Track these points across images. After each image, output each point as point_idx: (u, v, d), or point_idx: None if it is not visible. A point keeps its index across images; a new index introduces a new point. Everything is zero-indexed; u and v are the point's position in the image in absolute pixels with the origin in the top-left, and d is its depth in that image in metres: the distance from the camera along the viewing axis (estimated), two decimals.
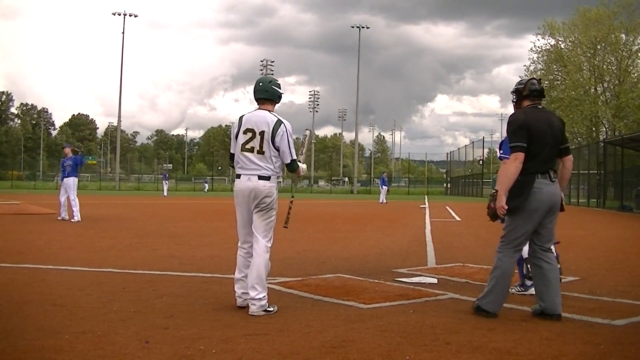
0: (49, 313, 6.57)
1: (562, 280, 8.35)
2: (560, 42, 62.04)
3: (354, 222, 23.05)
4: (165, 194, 55.49)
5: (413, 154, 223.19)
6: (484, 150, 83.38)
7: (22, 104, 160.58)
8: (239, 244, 7.12)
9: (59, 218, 20.14)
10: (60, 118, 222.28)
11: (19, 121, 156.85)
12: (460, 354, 5.26)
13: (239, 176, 6.97)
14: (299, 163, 7.16)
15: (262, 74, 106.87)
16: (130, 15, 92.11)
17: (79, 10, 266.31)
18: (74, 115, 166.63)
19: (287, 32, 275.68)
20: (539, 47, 62.46)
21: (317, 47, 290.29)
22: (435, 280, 9.04)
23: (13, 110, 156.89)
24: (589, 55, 59.96)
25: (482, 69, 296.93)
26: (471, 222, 24.40)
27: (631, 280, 9.53)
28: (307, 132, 8.03)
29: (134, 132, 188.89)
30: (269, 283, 8.35)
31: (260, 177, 6.86)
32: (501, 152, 8.21)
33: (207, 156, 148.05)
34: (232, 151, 7.11)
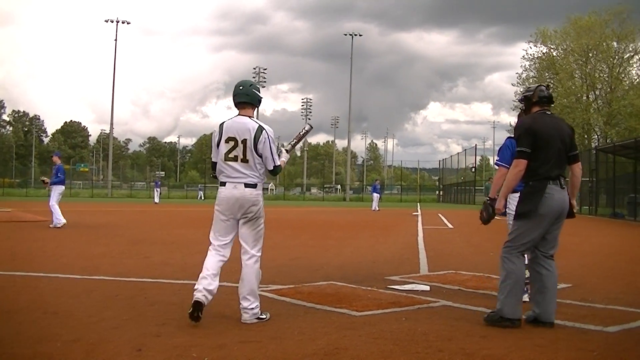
0: (41, 321, 6.56)
1: None
2: (552, 50, 62.28)
3: (346, 230, 23.06)
4: (157, 200, 55.43)
5: (405, 162, 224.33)
6: (477, 157, 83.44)
7: (14, 111, 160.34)
8: (212, 247, 6.80)
9: (50, 226, 20.09)
10: (52, 125, 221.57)
11: (11, 128, 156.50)
12: None
13: (223, 184, 6.79)
14: (283, 151, 7.18)
15: (255, 81, 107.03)
16: (122, 23, 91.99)
17: (71, 17, 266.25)
18: (66, 122, 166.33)
19: (280, 40, 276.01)
20: (531, 54, 62.74)
21: (310, 54, 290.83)
22: (427, 288, 9.05)
23: (5, 117, 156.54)
24: (580, 62, 60.16)
25: (474, 77, 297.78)
26: (464, 229, 24.42)
27: (623, 287, 9.56)
28: (307, 127, 7.96)
29: (126, 139, 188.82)
30: (261, 291, 8.35)
31: (247, 185, 6.70)
32: (497, 158, 8.24)
33: (200, 163, 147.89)
34: (213, 160, 6.93)
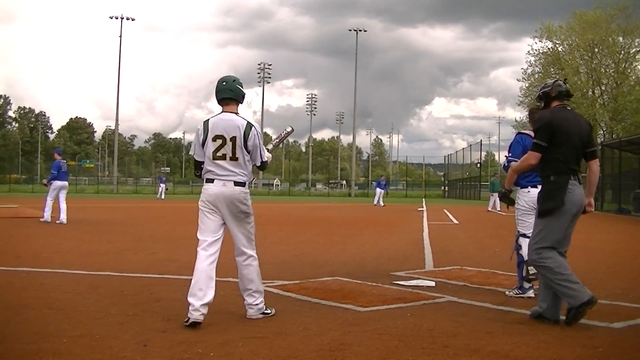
0: (47, 317, 6.57)
1: None
2: (557, 45, 62.10)
3: (351, 225, 23.06)
4: (163, 196, 55.47)
5: (411, 157, 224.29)
6: (482, 153, 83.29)
7: (19, 107, 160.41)
8: (202, 247, 6.52)
9: (57, 221, 20.13)
10: (57, 121, 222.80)
11: (17, 125, 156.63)
12: (457, 357, 5.26)
13: (211, 180, 6.57)
14: (266, 150, 6.96)
15: (259, 77, 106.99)
16: (127, 19, 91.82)
17: (76, 14, 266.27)
18: (71, 118, 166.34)
19: (284, 36, 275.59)
20: (536, 50, 62.51)
21: (314, 50, 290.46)
22: (433, 283, 9.04)
23: (11, 113, 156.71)
24: (586, 58, 59.98)
25: (479, 72, 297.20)
26: (469, 225, 24.41)
27: (629, 283, 9.54)
28: (289, 129, 7.90)
29: (131, 135, 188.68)
30: (266, 286, 8.36)
31: (237, 183, 6.56)
32: (509, 155, 8.24)
33: None
34: (197, 159, 6.72)
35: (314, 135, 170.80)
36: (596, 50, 59.24)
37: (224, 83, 6.72)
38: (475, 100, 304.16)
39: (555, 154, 6.58)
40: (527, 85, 62.31)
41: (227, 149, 6.53)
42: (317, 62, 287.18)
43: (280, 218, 27.16)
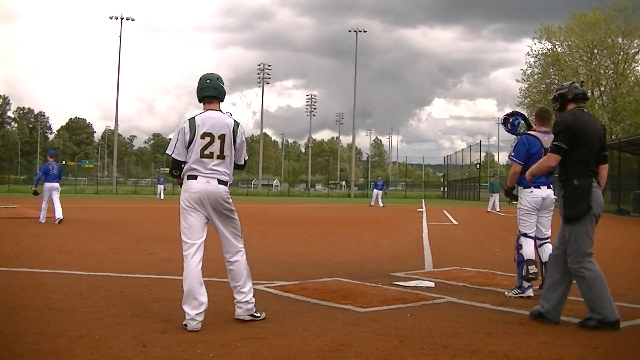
0: (46, 317, 6.57)
1: None
2: (557, 46, 62.09)
3: (351, 226, 23.06)
4: (162, 197, 55.48)
5: (410, 158, 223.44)
6: (481, 154, 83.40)
7: (19, 107, 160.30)
8: (189, 250, 6.39)
9: (55, 222, 20.15)
10: (57, 122, 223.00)
11: (16, 125, 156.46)
12: (457, 357, 5.26)
13: (194, 177, 6.41)
14: None
15: (259, 77, 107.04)
16: (127, 19, 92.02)
17: (76, 14, 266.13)
18: (71, 119, 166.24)
19: (284, 36, 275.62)
20: (535, 51, 62.49)
21: (314, 51, 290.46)
22: (432, 284, 9.05)
23: (10, 114, 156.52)
24: (585, 59, 59.98)
25: (479, 73, 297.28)
26: (468, 225, 24.42)
27: (628, 283, 9.54)
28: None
29: (131, 135, 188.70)
30: (266, 287, 8.38)
31: (220, 182, 6.45)
32: (513, 154, 8.25)
33: None
34: (178, 158, 6.50)
35: (314, 136, 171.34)
36: (595, 51, 59.23)
37: (208, 81, 6.63)
38: (474, 101, 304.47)
39: (577, 157, 6.52)
40: (526, 86, 62.37)
41: (215, 147, 6.44)
42: (317, 63, 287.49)
43: (280, 219, 27.16)
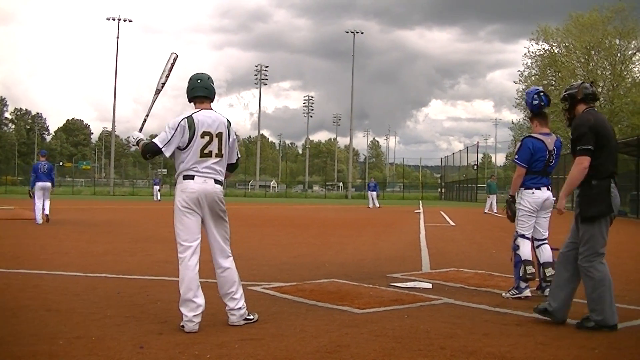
0: (44, 318, 6.57)
1: None
2: (554, 48, 62.10)
3: (348, 227, 23.06)
4: (159, 198, 55.47)
5: (407, 159, 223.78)
6: (479, 155, 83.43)
7: (16, 109, 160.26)
8: (186, 254, 6.36)
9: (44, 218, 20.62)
10: (54, 123, 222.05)
11: (13, 126, 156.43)
12: (454, 358, 5.27)
13: (191, 177, 6.36)
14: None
15: (256, 79, 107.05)
16: (124, 20, 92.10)
17: (73, 15, 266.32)
18: (68, 120, 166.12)
19: (281, 38, 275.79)
20: (533, 52, 62.47)
21: (311, 52, 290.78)
22: (429, 285, 9.05)
23: (7, 115, 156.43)
24: (582, 60, 59.99)
25: (476, 74, 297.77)
26: (466, 227, 24.44)
27: (626, 284, 9.54)
28: (174, 56, 7.20)
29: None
30: (263, 288, 8.38)
31: (216, 181, 6.45)
32: (516, 157, 8.23)
33: None
34: (166, 152, 6.34)
35: (311, 137, 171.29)
36: (593, 52, 59.22)
37: (199, 81, 6.60)
38: (471, 102, 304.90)
39: (597, 158, 6.49)
40: (523, 87, 62.22)
41: (214, 146, 6.42)
42: (314, 64, 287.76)
43: (277, 220, 27.15)
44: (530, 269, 8.03)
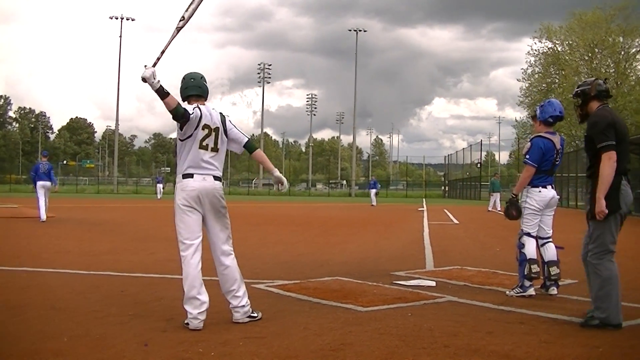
0: (47, 316, 6.58)
1: (561, 283, 8.38)
2: (557, 46, 62.02)
3: (352, 225, 23.07)
4: (160, 196, 55.55)
5: (411, 157, 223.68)
6: (482, 153, 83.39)
7: (20, 107, 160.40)
8: (188, 251, 6.37)
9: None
10: (58, 122, 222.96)
11: (17, 125, 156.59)
12: (458, 356, 5.26)
13: (190, 175, 6.36)
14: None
15: (259, 77, 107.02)
16: (127, 19, 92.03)
17: (76, 14, 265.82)
18: (71, 118, 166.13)
19: (283, 36, 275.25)
20: (536, 50, 62.40)
21: (314, 50, 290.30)
22: (433, 283, 9.04)
23: (11, 114, 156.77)
24: (586, 58, 59.93)
25: (478, 72, 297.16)
26: (469, 224, 24.41)
27: (629, 283, 9.52)
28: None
29: (131, 135, 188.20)
30: (267, 287, 8.38)
31: (215, 178, 6.45)
32: (527, 157, 8.17)
33: None
34: (192, 115, 6.25)
35: (314, 136, 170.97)
36: (596, 50, 59.16)
37: (192, 80, 6.63)
38: (474, 100, 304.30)
39: None
40: (526, 85, 62.28)
41: (211, 140, 6.44)
42: (317, 63, 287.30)
43: (281, 218, 27.16)
44: (535, 268, 8.02)
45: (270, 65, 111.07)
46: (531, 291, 8.05)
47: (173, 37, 6.36)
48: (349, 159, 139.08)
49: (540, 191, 8.16)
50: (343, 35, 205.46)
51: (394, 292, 8.27)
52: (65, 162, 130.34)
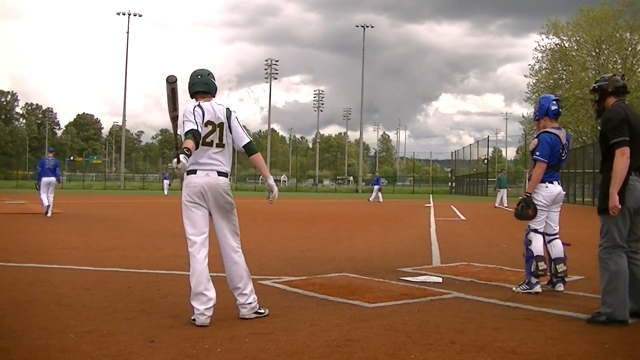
0: (54, 312, 6.59)
1: (568, 280, 8.36)
2: (564, 41, 61.88)
3: (358, 222, 23.06)
4: (166, 192, 55.63)
5: (418, 153, 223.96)
6: (489, 149, 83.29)
7: (27, 103, 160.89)
8: (195, 246, 6.38)
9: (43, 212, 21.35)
10: (65, 118, 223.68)
11: (24, 121, 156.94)
12: (464, 353, 5.25)
13: (194, 172, 6.37)
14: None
15: (266, 73, 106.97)
16: (134, 15, 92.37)
17: (83, 10, 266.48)
18: (78, 114, 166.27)
19: (291, 32, 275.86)
20: (543, 46, 62.25)
21: (321, 46, 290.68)
22: (439, 280, 9.03)
23: (18, 110, 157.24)
24: (593, 54, 59.78)
25: (486, 68, 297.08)
26: (476, 221, 24.39)
27: None
28: (169, 80, 6.10)
29: (138, 131, 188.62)
30: (273, 283, 8.38)
31: (220, 173, 6.42)
32: (537, 153, 8.11)
33: None
34: (198, 128, 6.21)
35: (321, 132, 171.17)
36: (603, 46, 59.00)
37: (199, 76, 6.61)
38: (482, 96, 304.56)
39: None
40: (534, 81, 62.12)
41: (215, 136, 6.42)
42: (324, 58, 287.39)
43: (287, 214, 27.15)
44: (542, 266, 8.00)
45: (277, 61, 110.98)
46: (537, 288, 8.03)
47: (175, 127, 6.31)
48: (356, 155, 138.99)
49: (547, 187, 8.13)
50: (351, 31, 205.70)
51: (401, 289, 8.27)
52: (72, 158, 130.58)
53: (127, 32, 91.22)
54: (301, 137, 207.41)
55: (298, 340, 5.58)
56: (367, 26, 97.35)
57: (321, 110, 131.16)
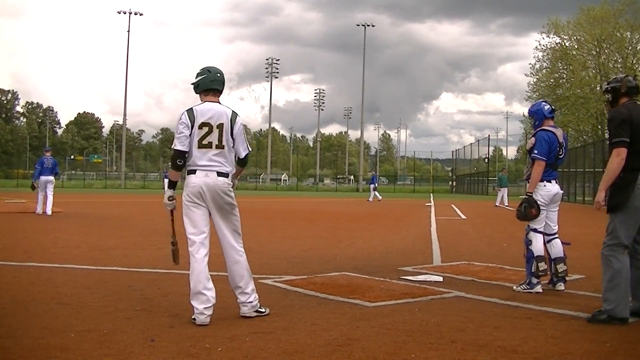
0: (55, 311, 6.59)
1: (568, 279, 8.36)
2: (565, 41, 61.86)
3: (359, 221, 23.04)
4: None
5: (418, 152, 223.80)
6: (489, 148, 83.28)
7: (27, 102, 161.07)
8: (194, 246, 6.46)
9: (38, 212, 21.57)
10: (65, 116, 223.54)
11: (25, 120, 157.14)
12: (465, 352, 5.25)
13: (193, 172, 6.41)
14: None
15: (267, 72, 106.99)
16: (135, 14, 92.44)
17: (84, 9, 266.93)
18: (79, 113, 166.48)
19: (292, 31, 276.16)
20: (544, 45, 62.26)
21: (322, 45, 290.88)
22: (440, 279, 9.03)
23: (19, 108, 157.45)
24: (594, 53, 59.77)
25: (487, 67, 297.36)
26: (477, 220, 24.39)
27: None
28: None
29: (139, 130, 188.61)
30: (274, 282, 8.38)
31: (220, 174, 6.39)
32: (535, 152, 8.11)
33: None
34: (181, 148, 6.36)
35: (322, 130, 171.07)
36: (604, 45, 58.98)
37: (219, 75, 6.59)
38: (482, 95, 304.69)
39: (628, 151, 6.44)
40: (534, 80, 62.16)
41: (214, 137, 6.38)
42: (325, 57, 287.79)
43: (288, 213, 27.16)
44: (542, 266, 7.99)
45: (278, 60, 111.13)
46: (538, 288, 8.02)
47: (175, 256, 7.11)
48: (356, 154, 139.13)
49: (545, 185, 8.13)
50: (351, 30, 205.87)
51: (401, 288, 8.27)
52: (72, 157, 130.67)
53: (128, 31, 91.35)
54: (302, 136, 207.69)
55: (299, 339, 5.58)
56: (368, 25, 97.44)
57: (322, 109, 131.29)
